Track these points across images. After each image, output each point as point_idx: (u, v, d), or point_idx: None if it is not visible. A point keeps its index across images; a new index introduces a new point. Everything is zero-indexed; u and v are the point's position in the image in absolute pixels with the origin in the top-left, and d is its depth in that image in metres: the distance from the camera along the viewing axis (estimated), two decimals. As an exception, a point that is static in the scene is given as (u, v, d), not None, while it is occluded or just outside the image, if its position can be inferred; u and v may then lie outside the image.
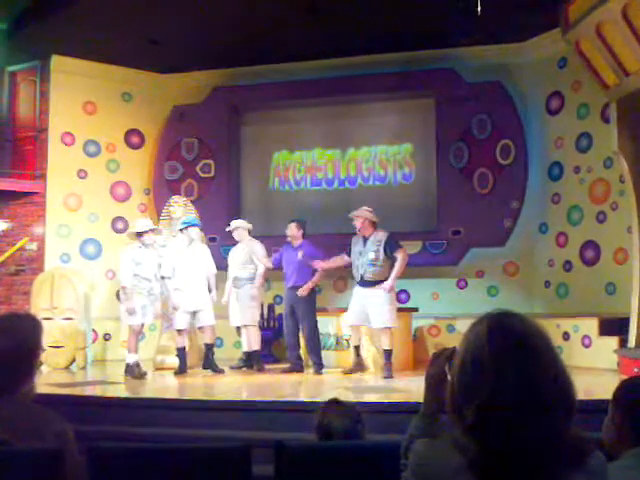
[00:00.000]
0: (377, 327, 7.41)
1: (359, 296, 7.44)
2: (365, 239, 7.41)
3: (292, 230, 8.00)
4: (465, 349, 1.48)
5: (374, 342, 7.89)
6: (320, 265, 7.66)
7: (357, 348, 7.66)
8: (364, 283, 7.38)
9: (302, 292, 7.65)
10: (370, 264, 7.30)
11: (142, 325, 7.64)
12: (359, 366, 7.63)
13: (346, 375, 7.42)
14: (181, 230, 8.01)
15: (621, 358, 7.04)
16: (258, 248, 8.11)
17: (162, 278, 7.79)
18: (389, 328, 7.33)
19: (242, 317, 8.08)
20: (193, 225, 7.96)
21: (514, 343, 1.43)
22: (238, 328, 8.29)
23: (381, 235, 7.38)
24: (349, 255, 7.57)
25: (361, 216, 7.43)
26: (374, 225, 7.45)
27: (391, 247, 7.30)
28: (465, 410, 1.41)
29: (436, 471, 1.43)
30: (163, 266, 7.78)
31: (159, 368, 8.21)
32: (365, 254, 7.34)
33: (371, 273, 7.31)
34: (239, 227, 8.25)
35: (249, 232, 8.32)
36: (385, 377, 7.15)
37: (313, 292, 7.85)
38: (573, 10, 7.23)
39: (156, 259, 7.78)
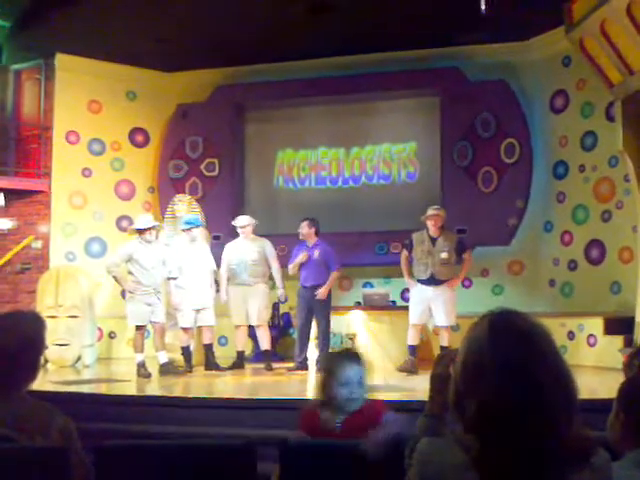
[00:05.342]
0: (441, 325, 7.44)
1: (424, 294, 7.44)
2: (433, 239, 7.43)
3: (304, 229, 7.93)
4: (467, 348, 1.48)
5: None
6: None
7: (415, 348, 7.46)
8: (432, 281, 7.39)
9: (322, 296, 7.68)
10: (444, 263, 7.38)
11: (157, 324, 7.61)
12: (412, 367, 7.33)
13: (401, 372, 7.35)
14: (184, 230, 7.99)
15: (626, 357, 7.01)
16: (272, 248, 8.02)
17: (168, 279, 7.71)
18: (450, 326, 7.42)
19: (258, 316, 7.94)
20: (196, 226, 7.95)
21: (515, 342, 1.42)
22: (237, 326, 8.09)
23: (451, 236, 7.54)
24: (408, 250, 7.59)
25: (440, 215, 7.49)
26: (443, 226, 7.55)
27: (462, 248, 7.53)
28: (467, 408, 1.41)
29: (439, 469, 1.42)
30: (168, 266, 7.68)
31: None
32: (437, 254, 7.37)
33: (443, 272, 7.39)
34: (252, 224, 8.10)
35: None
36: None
37: (329, 292, 7.87)
38: (577, 8, 7.21)
39: (159, 256, 7.66)
